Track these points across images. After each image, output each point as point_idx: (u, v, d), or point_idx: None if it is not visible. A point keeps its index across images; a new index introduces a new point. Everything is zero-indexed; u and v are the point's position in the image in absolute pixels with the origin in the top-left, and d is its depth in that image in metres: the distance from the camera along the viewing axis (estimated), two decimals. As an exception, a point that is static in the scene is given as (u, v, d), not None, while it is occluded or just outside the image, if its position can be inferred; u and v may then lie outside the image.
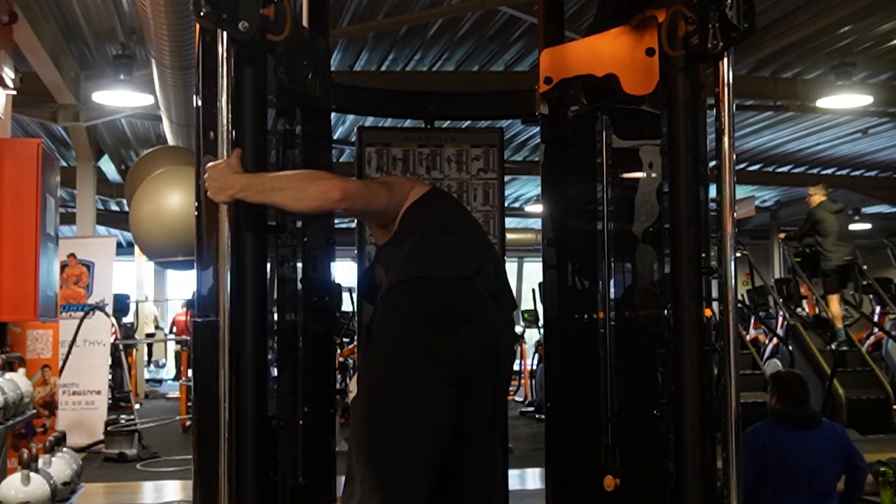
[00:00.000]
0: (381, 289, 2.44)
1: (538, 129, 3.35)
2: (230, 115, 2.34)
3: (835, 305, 9.86)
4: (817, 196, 10.06)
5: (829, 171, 13.91)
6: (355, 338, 4.58)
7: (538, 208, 11.35)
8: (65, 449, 4.86)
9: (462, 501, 2.35)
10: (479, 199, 3.53)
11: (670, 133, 2.68)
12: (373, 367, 2.35)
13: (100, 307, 8.28)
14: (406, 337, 2.30)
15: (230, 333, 2.31)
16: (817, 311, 10.39)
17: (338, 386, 8.70)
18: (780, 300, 10.36)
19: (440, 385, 2.26)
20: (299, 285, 2.88)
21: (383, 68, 8.87)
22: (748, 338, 10.48)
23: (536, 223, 15.52)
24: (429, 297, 2.34)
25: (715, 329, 2.69)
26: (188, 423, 8.41)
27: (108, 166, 12.61)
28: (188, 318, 12.88)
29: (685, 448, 2.59)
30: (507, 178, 12.17)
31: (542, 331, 9.70)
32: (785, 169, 13.93)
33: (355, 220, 3.55)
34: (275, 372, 2.60)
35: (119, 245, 11.85)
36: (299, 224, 2.87)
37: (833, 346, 8.82)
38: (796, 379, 4.17)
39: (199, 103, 2.53)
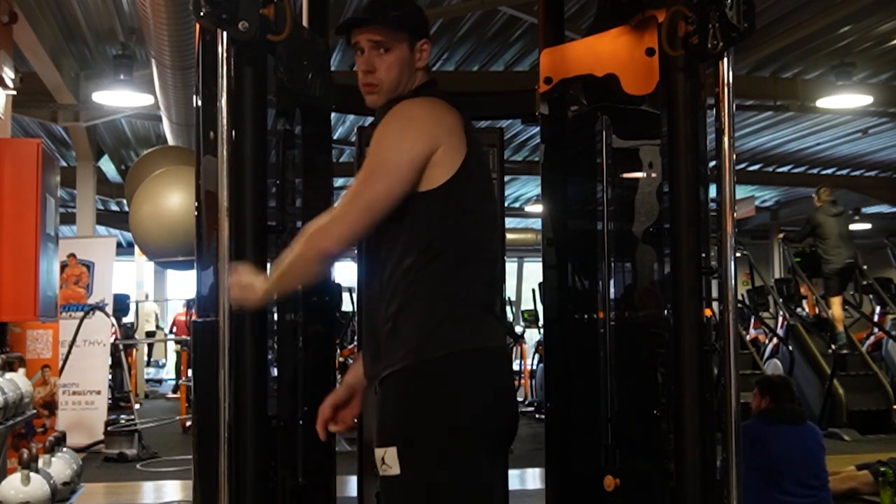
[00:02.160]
0: (408, 348, 2.09)
1: (538, 129, 3.35)
2: (230, 115, 2.34)
3: (836, 308, 9.87)
4: (817, 199, 10.16)
5: (829, 171, 13.91)
6: (355, 338, 4.58)
7: (538, 208, 11.37)
8: (65, 449, 4.86)
9: None
10: (479, 199, 3.52)
11: (670, 133, 2.68)
12: (423, 447, 2.08)
13: (100, 307, 8.28)
14: (462, 416, 2.10)
15: (230, 333, 2.31)
16: (817, 311, 10.40)
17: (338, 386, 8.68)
18: (780, 300, 10.36)
19: (491, 460, 2.17)
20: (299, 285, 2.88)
21: (383, 68, 8.85)
22: (748, 338, 10.49)
23: (536, 223, 15.52)
24: (477, 373, 2.12)
25: (715, 329, 2.69)
26: (188, 423, 8.41)
27: (108, 166, 12.62)
28: (188, 318, 12.89)
29: (685, 448, 2.60)
30: (507, 178, 12.23)
31: (542, 331, 9.70)
32: (785, 169, 13.93)
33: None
34: (275, 372, 2.60)
35: (119, 245, 11.86)
36: (299, 224, 2.87)
37: (833, 348, 8.84)
38: (786, 381, 4.48)
39: (199, 103, 2.53)
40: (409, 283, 2.09)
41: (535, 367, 10.95)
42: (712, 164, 2.62)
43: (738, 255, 2.93)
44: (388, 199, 2.06)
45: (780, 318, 10.32)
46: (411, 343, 2.07)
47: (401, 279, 2.09)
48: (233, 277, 2.25)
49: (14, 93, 5.75)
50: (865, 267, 10.38)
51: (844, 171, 14.02)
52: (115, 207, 15.49)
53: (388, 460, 2.07)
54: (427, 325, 2.08)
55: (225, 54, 2.33)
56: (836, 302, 9.89)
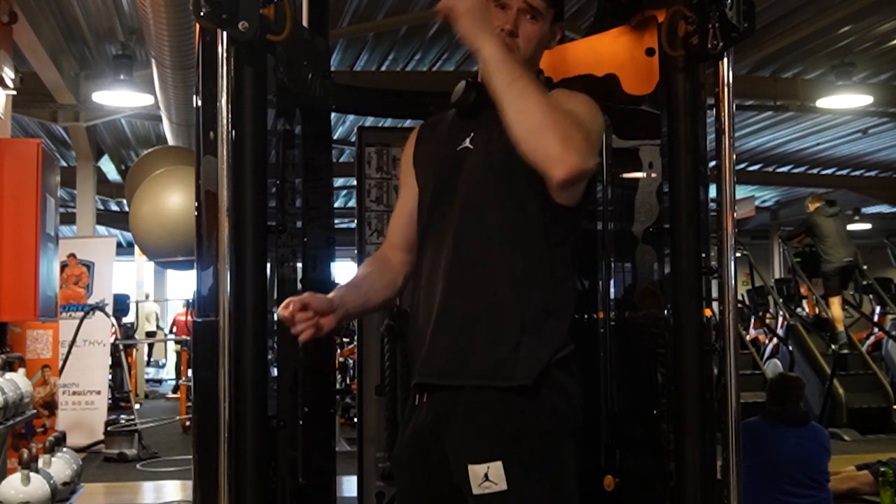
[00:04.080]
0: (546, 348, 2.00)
1: (538, 129, 3.34)
2: (230, 115, 2.33)
3: (836, 308, 9.89)
4: (812, 204, 10.23)
5: (829, 171, 13.92)
6: (355, 338, 4.59)
7: (538, 208, 11.28)
8: (65, 449, 4.86)
9: None
10: (479, 199, 3.51)
11: (670, 133, 2.68)
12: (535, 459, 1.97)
13: (100, 307, 8.29)
14: (559, 426, 2.04)
15: (230, 333, 2.31)
16: (817, 311, 10.42)
17: (338, 386, 8.70)
18: (780, 300, 10.38)
19: None
20: (299, 285, 2.88)
21: (383, 68, 8.87)
22: (748, 338, 10.50)
23: (536, 223, 15.49)
24: (575, 376, 2.08)
25: (715, 329, 2.69)
26: (188, 423, 8.41)
27: (108, 166, 12.62)
28: (188, 318, 12.88)
29: (685, 448, 2.59)
30: (507, 178, 12.23)
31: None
32: (785, 169, 13.94)
33: (355, 220, 3.53)
34: (275, 372, 2.60)
35: (119, 245, 11.86)
36: (299, 224, 2.87)
37: (834, 348, 8.85)
38: (782, 380, 4.52)
39: (199, 103, 2.52)
40: (552, 296, 2.03)
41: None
42: (712, 164, 2.62)
43: (738, 255, 2.93)
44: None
45: (780, 318, 10.33)
46: (535, 359, 1.97)
47: (546, 294, 2.03)
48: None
49: (14, 93, 5.76)
50: (865, 267, 10.39)
51: (844, 171, 14.03)
52: (115, 207, 15.49)
53: (494, 476, 1.91)
54: (551, 348, 2.00)
55: (225, 54, 2.33)
56: (835, 301, 9.92)
